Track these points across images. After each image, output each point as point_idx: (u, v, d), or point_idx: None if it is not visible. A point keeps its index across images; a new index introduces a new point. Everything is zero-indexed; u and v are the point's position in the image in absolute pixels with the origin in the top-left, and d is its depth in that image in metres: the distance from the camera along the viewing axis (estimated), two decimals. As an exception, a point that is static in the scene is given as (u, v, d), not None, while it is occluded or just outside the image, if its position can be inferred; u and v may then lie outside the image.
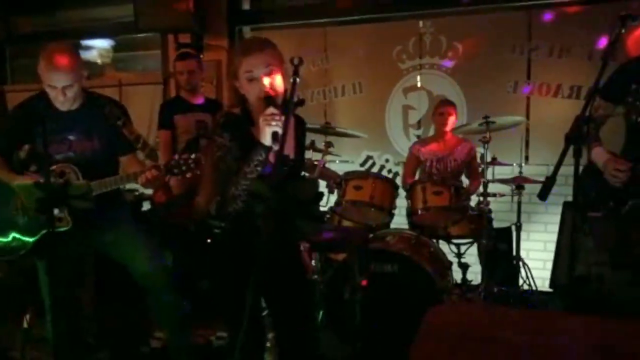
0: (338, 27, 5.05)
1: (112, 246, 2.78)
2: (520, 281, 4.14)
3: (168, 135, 4.00)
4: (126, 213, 2.92)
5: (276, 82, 2.04)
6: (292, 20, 5.14)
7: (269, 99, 1.97)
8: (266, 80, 2.01)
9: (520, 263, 4.11)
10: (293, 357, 2.26)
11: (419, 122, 4.91)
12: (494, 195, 3.93)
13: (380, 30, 4.95)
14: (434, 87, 4.82)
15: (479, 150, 4.08)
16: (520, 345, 1.39)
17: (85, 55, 5.69)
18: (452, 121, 4.18)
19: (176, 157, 2.51)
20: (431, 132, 4.60)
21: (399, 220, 4.00)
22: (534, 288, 4.13)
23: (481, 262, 4.02)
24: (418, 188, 3.68)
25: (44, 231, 2.60)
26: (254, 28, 5.31)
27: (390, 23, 4.94)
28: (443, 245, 3.83)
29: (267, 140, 1.91)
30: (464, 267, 3.93)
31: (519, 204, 4.02)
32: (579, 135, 2.18)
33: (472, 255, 4.02)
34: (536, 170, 4.29)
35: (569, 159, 2.18)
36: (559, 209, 4.18)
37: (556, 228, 4.20)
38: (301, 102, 2.02)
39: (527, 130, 4.52)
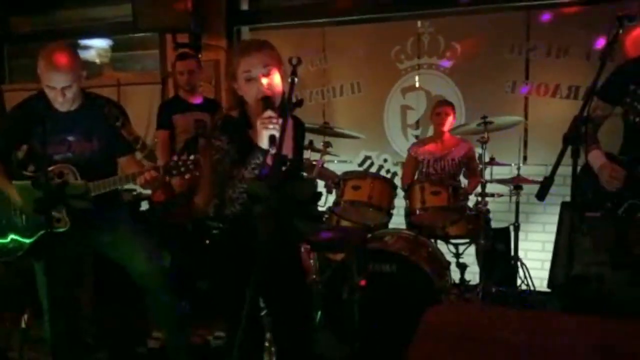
0: (336, 27, 5.05)
1: (110, 247, 2.78)
2: (518, 281, 4.14)
3: (166, 135, 4.01)
4: (124, 213, 2.91)
5: (274, 82, 2.04)
6: (291, 20, 5.14)
7: (266, 100, 1.97)
8: (264, 81, 2.01)
9: (518, 263, 4.11)
10: (291, 357, 2.26)
11: (417, 122, 4.91)
12: (492, 195, 3.93)
13: (379, 30, 4.94)
14: (432, 87, 4.82)
15: (477, 150, 4.08)
16: (518, 345, 1.40)
17: (84, 54, 5.68)
18: (450, 121, 4.18)
19: (175, 158, 2.51)
20: (429, 132, 4.60)
21: (397, 220, 4.00)
22: (532, 288, 4.13)
23: (479, 262, 4.02)
24: (416, 188, 3.68)
25: (42, 232, 2.59)
26: (252, 28, 5.31)
27: (389, 23, 4.93)
28: (441, 246, 3.83)
29: (264, 143, 1.91)
30: (462, 267, 3.93)
31: (517, 204, 4.02)
32: (577, 136, 2.19)
33: (470, 255, 4.02)
34: (534, 170, 4.29)
35: (567, 159, 2.18)
36: (557, 209, 4.18)
37: (554, 228, 4.21)
38: (299, 103, 2.02)
39: (526, 130, 4.52)
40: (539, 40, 4.46)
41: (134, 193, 4.42)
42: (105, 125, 2.67)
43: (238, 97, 2.10)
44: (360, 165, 5.04)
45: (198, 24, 4.89)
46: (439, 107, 4.21)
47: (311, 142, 3.83)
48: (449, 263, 3.66)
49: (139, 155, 2.83)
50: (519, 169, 3.93)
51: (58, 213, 2.56)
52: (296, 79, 1.87)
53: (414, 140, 4.69)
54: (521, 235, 4.08)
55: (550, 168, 2.19)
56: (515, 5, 4.55)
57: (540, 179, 2.25)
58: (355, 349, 2.89)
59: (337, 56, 5.03)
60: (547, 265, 4.25)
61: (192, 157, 2.49)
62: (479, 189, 3.87)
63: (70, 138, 2.65)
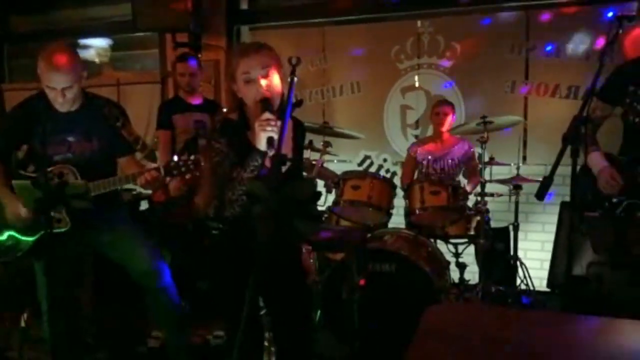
0: (336, 26, 5.05)
1: (110, 246, 2.78)
2: (518, 281, 4.14)
3: (167, 136, 4.01)
4: (124, 213, 2.92)
5: (273, 83, 2.04)
6: (290, 20, 5.15)
7: (265, 102, 1.97)
8: (263, 82, 2.01)
9: (518, 263, 4.11)
10: (290, 357, 2.27)
11: (416, 122, 4.91)
12: (492, 195, 3.93)
13: (379, 30, 4.95)
14: (431, 87, 4.82)
15: (477, 150, 4.08)
16: (517, 345, 1.40)
17: (83, 54, 5.68)
18: (449, 121, 4.19)
19: (175, 158, 2.51)
20: (429, 132, 4.61)
21: (397, 220, 4.00)
22: (531, 288, 4.13)
23: (479, 262, 4.03)
24: (416, 188, 3.68)
25: (42, 232, 2.59)
26: (252, 28, 5.31)
27: (388, 23, 4.94)
28: (441, 245, 3.83)
29: (262, 145, 1.91)
30: (462, 266, 3.93)
31: (517, 203, 4.02)
32: (577, 136, 2.19)
33: (469, 255, 4.02)
34: (534, 170, 4.29)
35: (567, 159, 2.19)
36: (557, 209, 4.19)
37: (553, 228, 4.22)
38: (299, 103, 2.02)
39: (525, 130, 4.53)
40: (539, 40, 4.46)
41: (134, 193, 4.42)
42: (105, 126, 2.67)
43: (237, 99, 2.11)
44: (360, 165, 5.05)
45: (198, 23, 4.89)
46: (438, 107, 4.22)
47: (311, 141, 3.84)
48: (448, 263, 3.67)
49: (139, 155, 2.83)
50: (518, 168, 3.93)
51: (58, 213, 2.56)
52: (295, 79, 1.87)
53: (413, 140, 4.70)
54: (520, 235, 4.08)
55: (549, 168, 2.20)
56: (515, 5, 4.55)
57: (540, 178, 2.25)
58: (355, 349, 2.90)
59: (337, 56, 5.03)
60: (547, 265, 4.26)
61: (192, 157, 2.49)
62: (478, 189, 3.87)
63: (70, 138, 2.65)
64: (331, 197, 3.77)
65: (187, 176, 2.50)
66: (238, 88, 2.08)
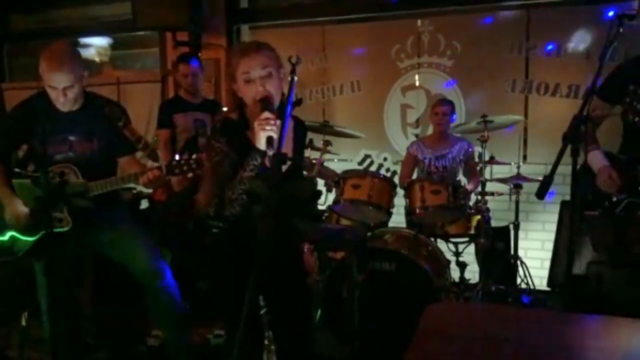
0: (336, 25, 5.05)
1: (111, 246, 2.78)
2: (518, 280, 4.14)
3: (167, 135, 4.02)
4: (124, 213, 2.92)
5: (273, 83, 2.04)
6: (291, 19, 5.14)
7: (265, 101, 1.97)
8: (263, 82, 2.01)
9: (518, 262, 4.11)
10: (290, 356, 2.27)
11: (417, 120, 4.91)
12: (492, 194, 3.93)
13: (379, 29, 4.94)
14: (432, 86, 4.82)
15: (477, 149, 4.08)
16: (517, 344, 1.40)
17: (84, 53, 5.65)
18: (449, 120, 4.18)
19: (177, 157, 2.51)
20: (429, 131, 4.60)
21: (397, 219, 4.00)
22: (531, 287, 4.14)
23: (479, 261, 4.03)
24: (416, 187, 3.68)
25: (43, 231, 2.59)
26: (252, 26, 5.31)
27: (389, 22, 4.93)
28: (441, 244, 3.84)
29: (262, 144, 1.90)
30: (462, 265, 3.93)
31: (517, 202, 4.02)
32: (577, 135, 2.19)
33: (470, 254, 4.03)
34: (534, 169, 4.29)
35: (567, 158, 2.19)
36: (557, 208, 4.19)
37: (554, 227, 4.22)
38: (299, 102, 2.02)
39: (525, 129, 4.53)
40: (539, 39, 4.46)
41: (134, 192, 4.42)
42: (106, 126, 2.67)
43: (237, 99, 2.11)
44: (360, 164, 5.04)
45: (198, 22, 4.89)
46: (438, 107, 4.21)
47: (311, 140, 3.84)
48: (448, 262, 3.67)
49: (141, 154, 2.83)
50: (518, 167, 3.93)
51: (60, 213, 2.56)
52: (296, 78, 1.87)
53: (413, 138, 4.69)
54: (521, 234, 4.09)
55: (550, 167, 2.19)
56: (515, 4, 4.55)
57: (540, 177, 2.25)
58: (355, 349, 2.90)
59: (337, 55, 5.03)
60: (547, 264, 4.27)
61: (194, 156, 2.49)
62: (478, 188, 3.87)
63: (71, 138, 2.65)
64: (331, 196, 3.77)
65: (189, 175, 2.50)
66: (238, 88, 2.08)
